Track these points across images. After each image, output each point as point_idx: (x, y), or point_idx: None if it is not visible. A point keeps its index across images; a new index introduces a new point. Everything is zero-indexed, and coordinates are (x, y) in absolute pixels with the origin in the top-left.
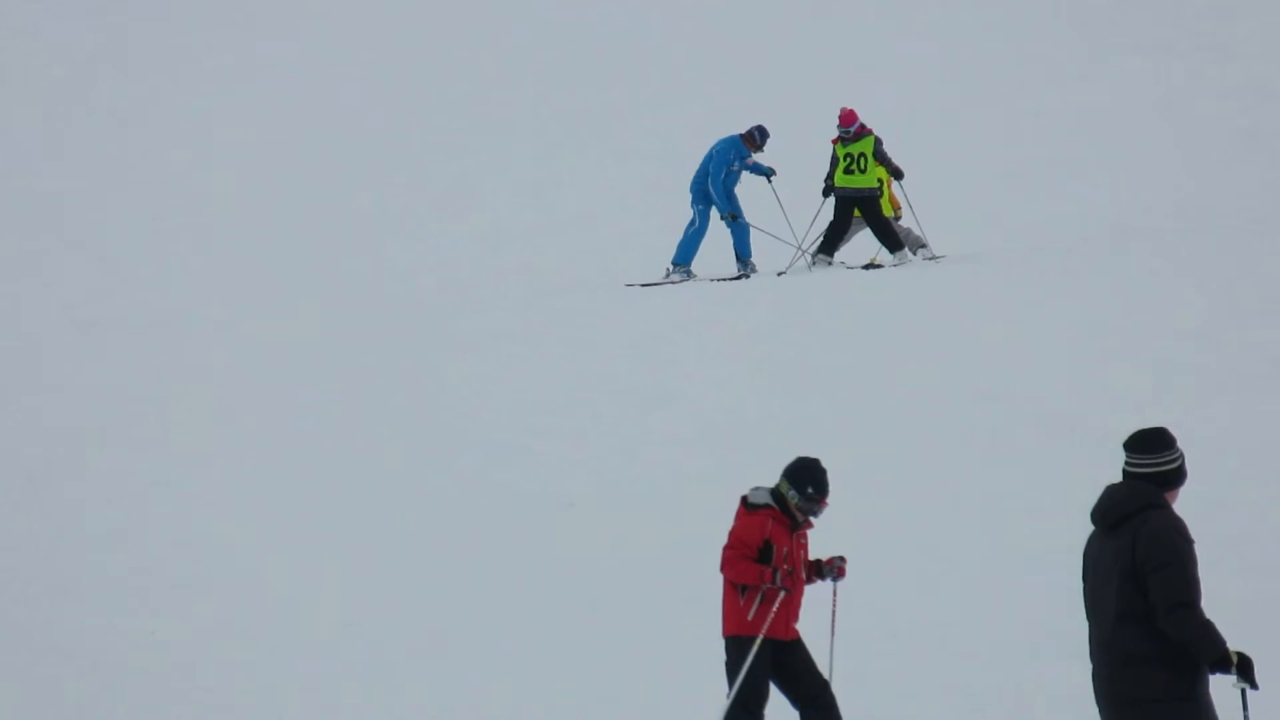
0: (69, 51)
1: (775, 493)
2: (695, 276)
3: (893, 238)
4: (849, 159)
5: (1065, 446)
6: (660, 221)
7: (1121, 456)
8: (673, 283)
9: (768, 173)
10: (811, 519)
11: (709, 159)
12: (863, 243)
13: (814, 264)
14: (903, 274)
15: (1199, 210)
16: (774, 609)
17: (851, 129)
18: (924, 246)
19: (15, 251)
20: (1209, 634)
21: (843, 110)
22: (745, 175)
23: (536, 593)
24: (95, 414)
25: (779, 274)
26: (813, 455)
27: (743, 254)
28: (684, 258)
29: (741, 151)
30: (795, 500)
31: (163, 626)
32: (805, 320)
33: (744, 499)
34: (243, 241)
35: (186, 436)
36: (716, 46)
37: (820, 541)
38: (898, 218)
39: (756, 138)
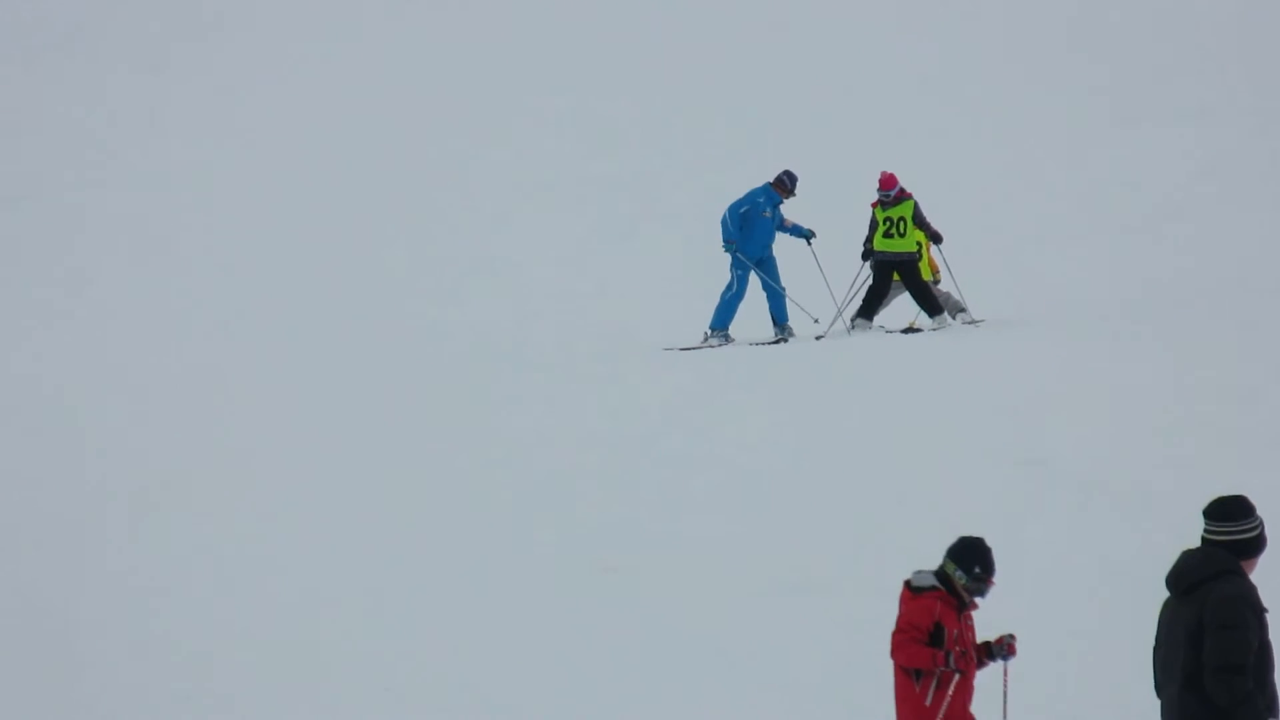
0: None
1: (940, 574)
2: (734, 340)
3: (931, 302)
4: (888, 222)
5: (1105, 511)
6: (699, 285)
7: (1193, 522)
8: (711, 347)
9: (807, 235)
10: (978, 599)
11: (736, 201)
12: (902, 307)
13: (853, 328)
14: (941, 338)
15: (1240, 274)
16: (949, 693)
17: (891, 193)
18: (963, 310)
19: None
20: (1247, 703)
21: (883, 174)
22: (785, 238)
23: (577, 661)
24: (141, 471)
25: (817, 338)
26: (975, 535)
27: (779, 318)
28: (721, 322)
29: (773, 197)
30: (963, 580)
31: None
32: (844, 384)
33: (907, 583)
34: (273, 301)
35: (226, 496)
36: (756, 111)
37: (843, 599)
38: (936, 281)
39: (786, 183)
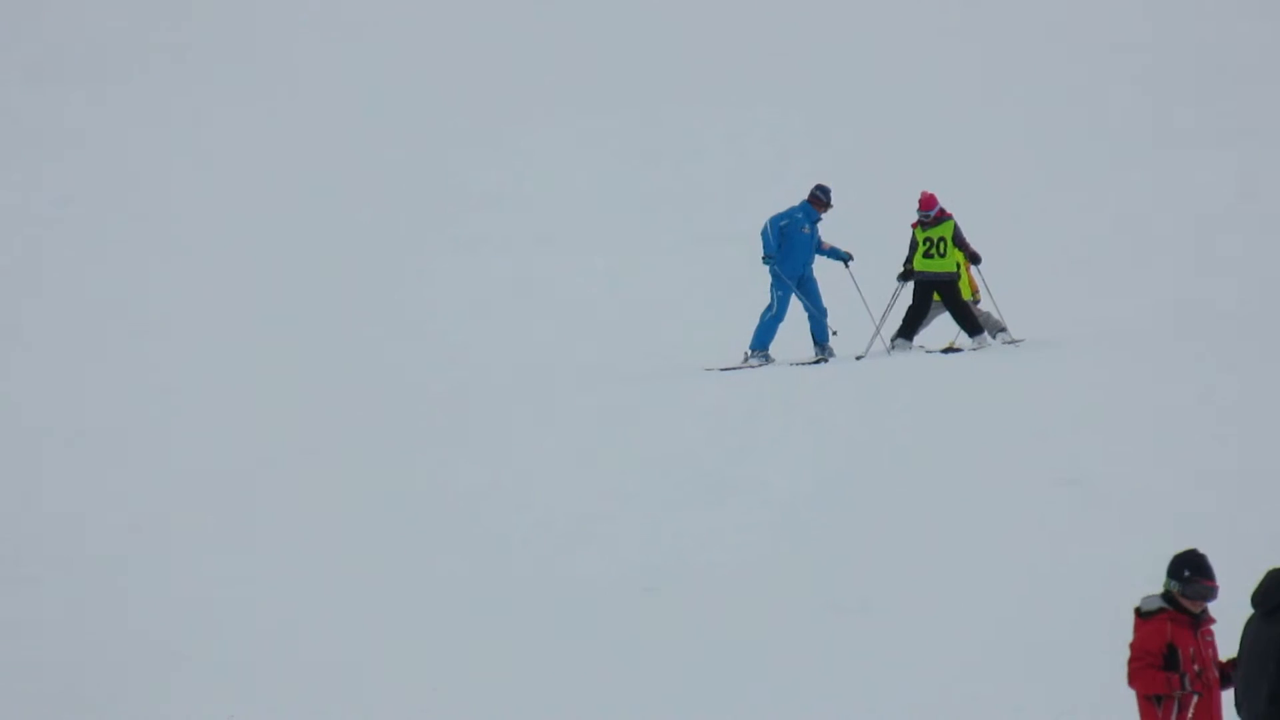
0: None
1: (1166, 594)
2: (774, 361)
3: (972, 321)
4: (928, 243)
5: (1145, 531)
6: (739, 305)
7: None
8: (751, 367)
9: (845, 258)
10: (1208, 608)
11: (774, 216)
12: (942, 327)
13: (893, 348)
14: (982, 358)
15: (1276, 293)
16: (1190, 715)
17: (931, 213)
18: (1003, 330)
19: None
20: None
21: (923, 194)
22: (823, 260)
23: (618, 681)
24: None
25: (857, 358)
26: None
27: (820, 338)
28: (761, 343)
29: (811, 214)
30: (1177, 589)
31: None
32: (884, 404)
33: (1137, 610)
34: (307, 323)
35: (253, 522)
36: (795, 129)
37: (889, 618)
38: (976, 301)
39: (821, 197)
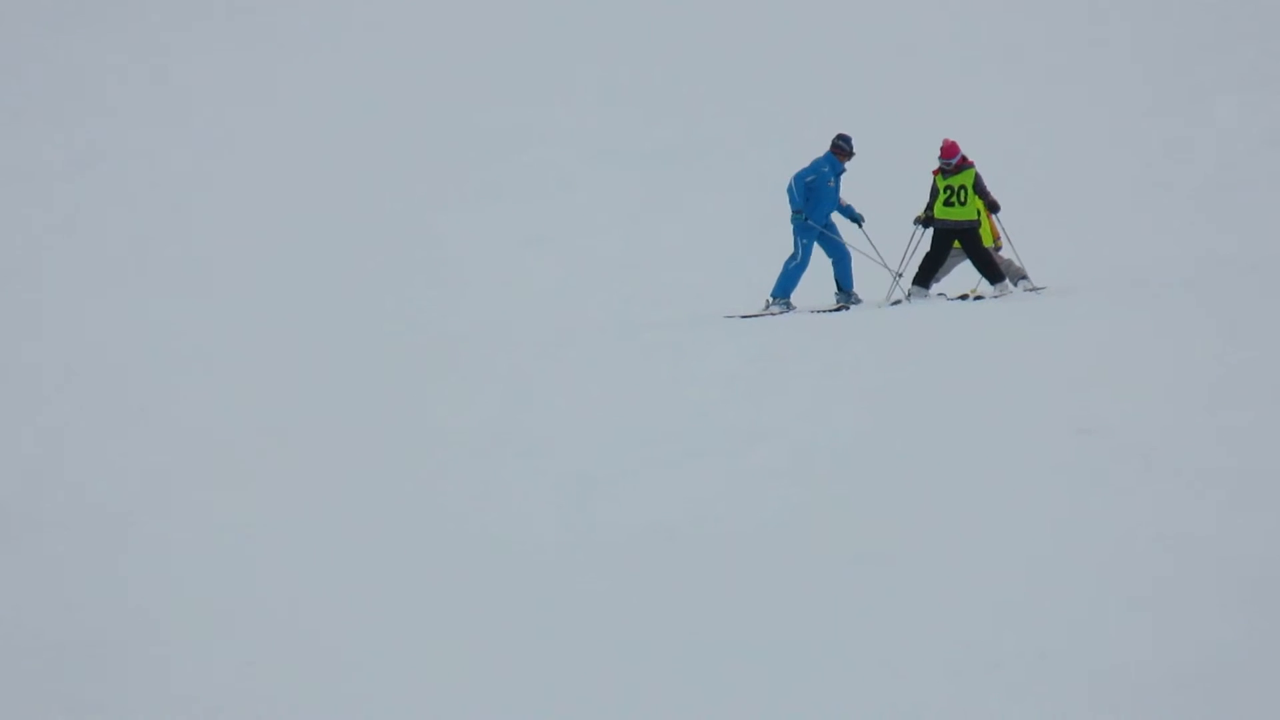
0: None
1: None
2: (795, 309)
3: (993, 269)
4: (949, 191)
5: (1164, 482)
6: (759, 253)
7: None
8: (772, 314)
9: (858, 220)
10: None
11: (800, 171)
12: (962, 274)
13: (911, 296)
14: (1003, 305)
15: None
16: None
17: (953, 161)
18: (1025, 278)
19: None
20: None
21: (945, 141)
22: (837, 217)
23: (636, 627)
24: (188, 444)
25: (879, 305)
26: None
27: (844, 284)
28: (784, 290)
29: (836, 166)
30: None
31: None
32: (903, 352)
33: None
34: (325, 269)
35: (266, 470)
36: (814, 80)
37: (911, 569)
38: (998, 248)
39: (844, 146)
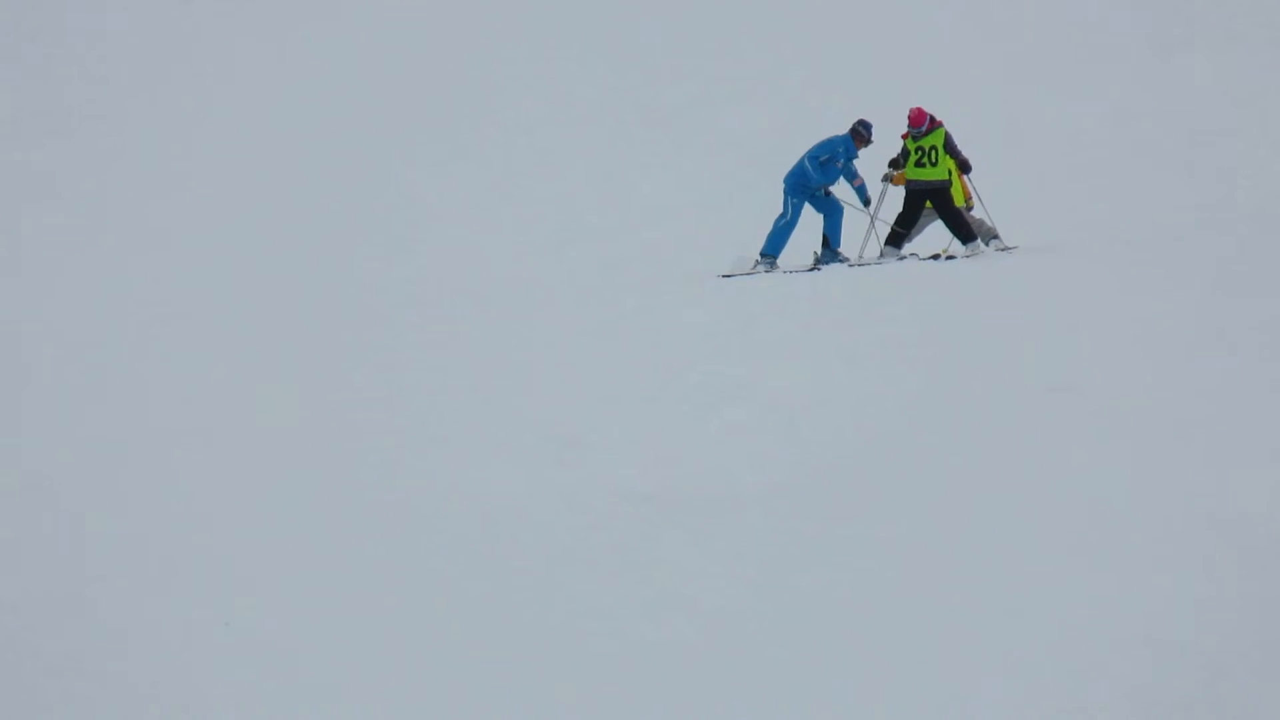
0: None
1: None
2: (779, 269)
3: (965, 229)
4: (920, 152)
5: (1136, 437)
6: (735, 213)
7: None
8: (759, 273)
9: (865, 202)
10: None
11: (815, 146)
12: (934, 234)
13: (883, 257)
14: (975, 265)
15: (1275, 204)
16: None
17: (922, 128)
18: (996, 237)
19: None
20: None
21: (912, 111)
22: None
23: (613, 585)
24: (153, 403)
25: (850, 265)
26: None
27: (834, 241)
28: (773, 249)
29: (851, 150)
30: None
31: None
32: (876, 311)
33: None
34: (300, 231)
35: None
36: (790, 38)
37: (886, 524)
38: (969, 208)
39: (864, 133)
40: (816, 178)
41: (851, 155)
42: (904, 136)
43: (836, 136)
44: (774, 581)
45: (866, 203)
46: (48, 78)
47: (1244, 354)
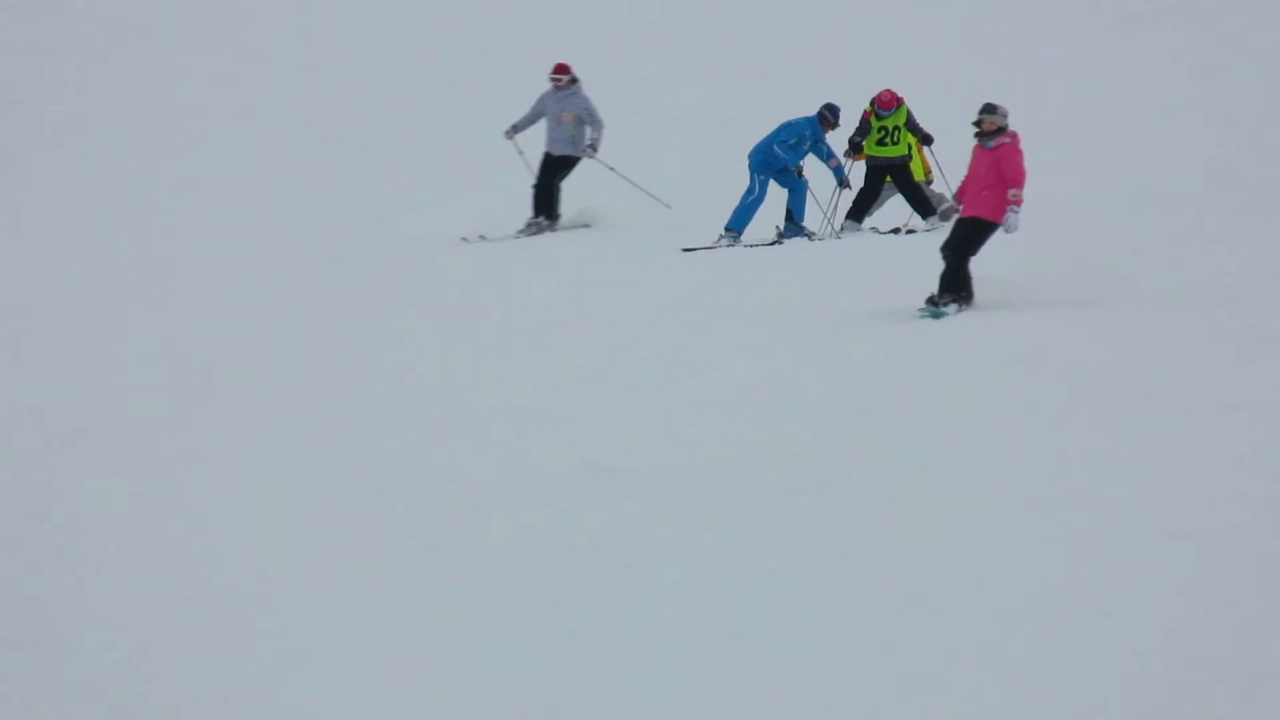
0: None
1: None
2: (742, 244)
3: (925, 203)
4: (883, 131)
5: (1098, 408)
6: (700, 187)
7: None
8: (723, 247)
9: (840, 182)
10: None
11: (780, 128)
12: (893, 208)
13: (843, 230)
14: (934, 239)
15: (1233, 173)
16: None
17: (890, 111)
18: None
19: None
20: None
21: (884, 95)
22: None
23: (575, 563)
24: (117, 384)
25: (812, 239)
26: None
27: (797, 215)
28: (739, 224)
29: (817, 132)
30: None
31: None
32: (836, 285)
33: None
34: (268, 209)
35: (207, 410)
36: (753, 13)
37: (847, 497)
38: (929, 182)
39: (830, 117)
40: (787, 159)
41: (818, 138)
42: (867, 114)
43: (802, 119)
44: (735, 554)
45: (842, 183)
46: (14, 53)
47: (1205, 324)
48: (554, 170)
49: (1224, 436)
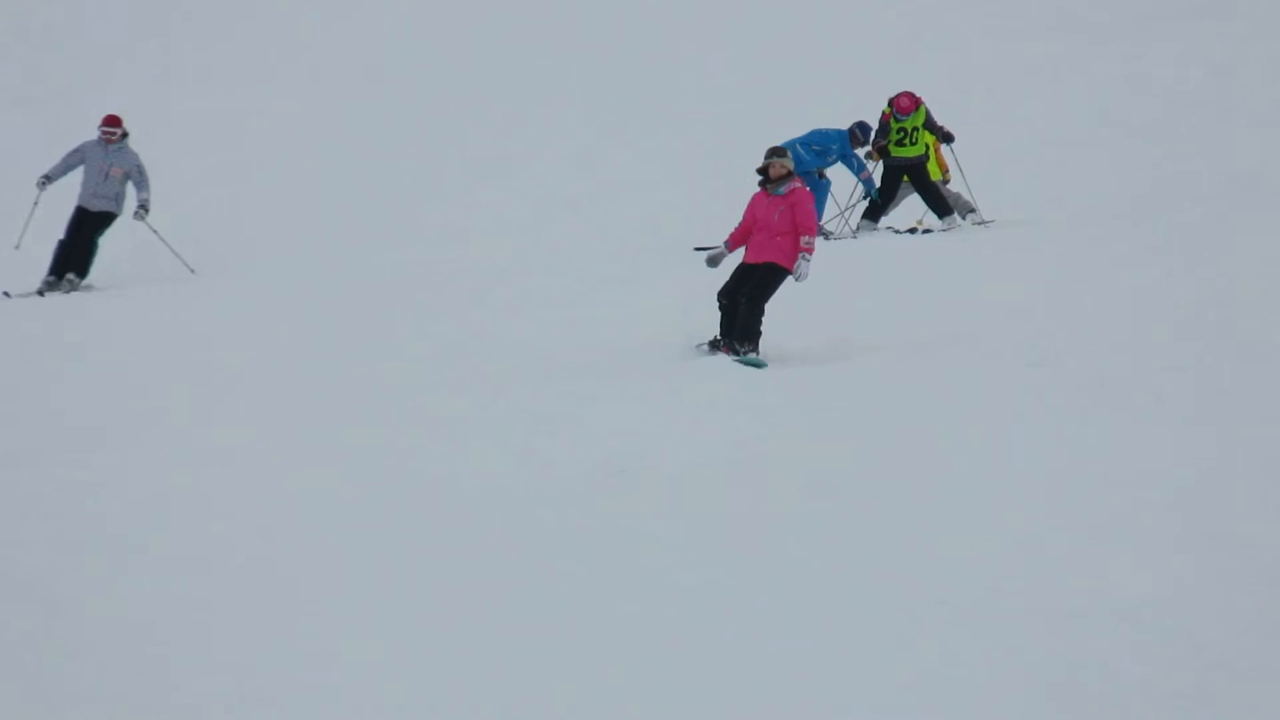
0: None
1: None
2: None
3: (941, 203)
4: (901, 132)
5: (1113, 411)
6: (709, 186)
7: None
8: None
9: (869, 192)
10: None
11: (811, 133)
12: (910, 207)
13: (859, 231)
14: (951, 239)
15: (1250, 177)
16: None
17: (909, 114)
18: (973, 211)
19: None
20: None
21: (904, 99)
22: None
23: (591, 565)
24: (139, 382)
25: (829, 239)
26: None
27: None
28: None
29: (845, 147)
30: None
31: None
32: (851, 285)
33: None
34: (285, 208)
35: (227, 410)
36: (768, 15)
37: (862, 498)
38: (946, 181)
39: (859, 135)
40: (812, 161)
41: (847, 152)
42: (886, 116)
43: (834, 130)
44: (752, 555)
45: (872, 195)
46: (39, 51)
47: (1221, 329)
48: (92, 226)
49: (1244, 439)
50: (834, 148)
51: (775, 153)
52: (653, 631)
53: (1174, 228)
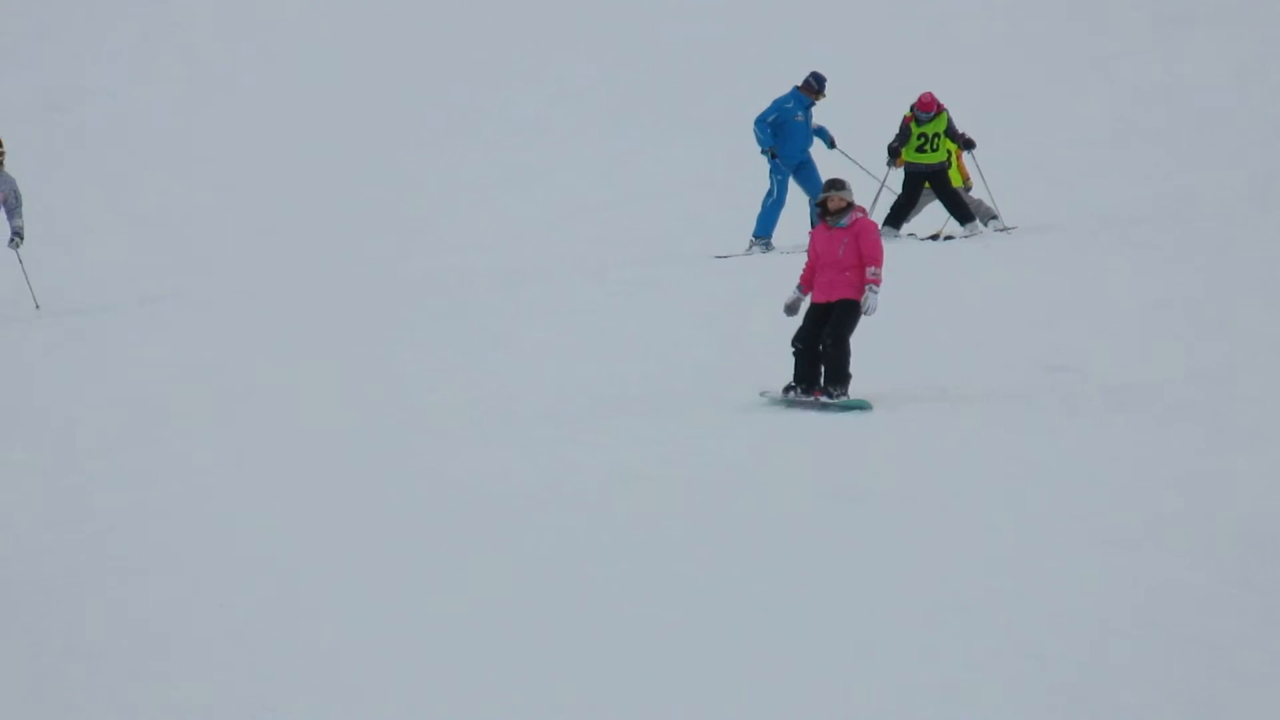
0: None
1: None
2: (775, 249)
3: (963, 209)
4: (922, 138)
5: (1136, 417)
6: (731, 194)
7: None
8: (753, 254)
9: (827, 141)
10: None
11: (767, 109)
12: (932, 214)
13: (880, 236)
14: (973, 245)
15: (1275, 183)
16: None
17: (930, 115)
18: (995, 218)
19: (78, 225)
20: None
21: (924, 96)
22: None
23: (612, 571)
24: (154, 390)
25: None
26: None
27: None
28: (764, 230)
29: (802, 100)
30: None
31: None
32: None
33: None
34: (310, 216)
35: (246, 413)
36: (788, 18)
37: (882, 504)
38: (968, 188)
39: (814, 84)
40: (765, 140)
41: (805, 104)
42: (908, 119)
43: (785, 94)
44: (773, 562)
45: (830, 144)
46: (49, 64)
47: (1244, 334)
48: None
49: (1266, 445)
50: (790, 107)
51: (833, 185)
52: (673, 636)
53: (1198, 234)
